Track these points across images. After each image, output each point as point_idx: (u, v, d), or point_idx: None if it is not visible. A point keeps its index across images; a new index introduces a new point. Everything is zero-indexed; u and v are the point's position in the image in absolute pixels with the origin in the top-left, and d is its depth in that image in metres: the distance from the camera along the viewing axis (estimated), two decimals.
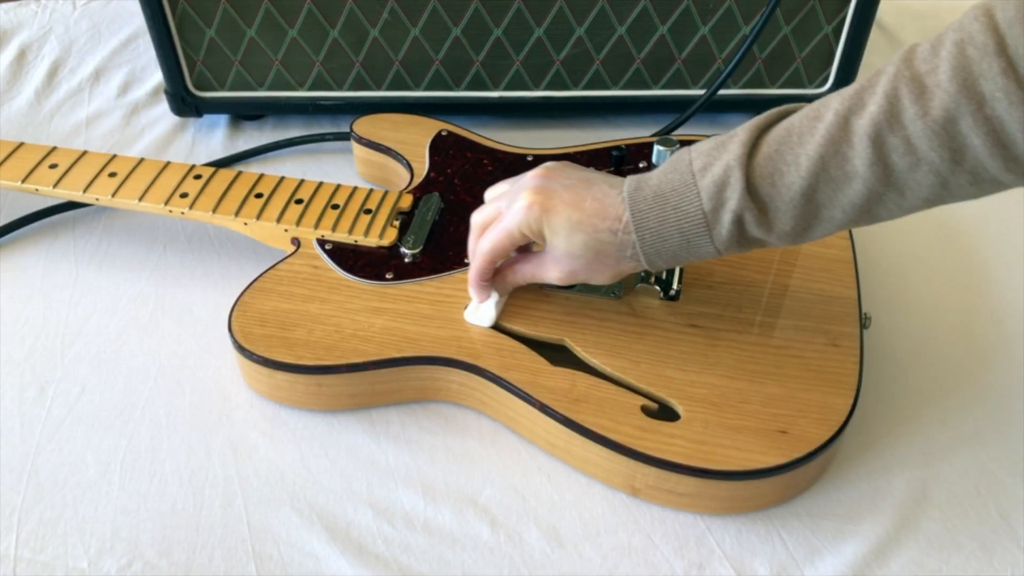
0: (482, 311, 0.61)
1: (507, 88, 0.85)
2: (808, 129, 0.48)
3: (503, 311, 0.62)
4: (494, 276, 0.60)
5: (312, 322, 0.61)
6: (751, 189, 0.49)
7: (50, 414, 0.63)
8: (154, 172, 0.71)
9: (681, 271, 0.65)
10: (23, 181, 0.70)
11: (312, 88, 0.84)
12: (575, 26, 0.80)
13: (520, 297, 0.63)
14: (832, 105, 0.47)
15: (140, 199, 0.69)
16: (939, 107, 0.43)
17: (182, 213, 0.69)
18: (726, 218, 0.50)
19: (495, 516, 0.57)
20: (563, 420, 0.56)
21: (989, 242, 0.76)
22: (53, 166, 0.71)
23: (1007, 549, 0.56)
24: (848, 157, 0.47)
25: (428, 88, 0.84)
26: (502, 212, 0.57)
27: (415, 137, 0.77)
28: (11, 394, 0.64)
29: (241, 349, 0.60)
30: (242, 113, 0.89)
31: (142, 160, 0.72)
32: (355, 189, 0.71)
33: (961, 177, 0.45)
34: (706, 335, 0.61)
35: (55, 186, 0.70)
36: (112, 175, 0.71)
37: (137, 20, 1.00)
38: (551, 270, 0.57)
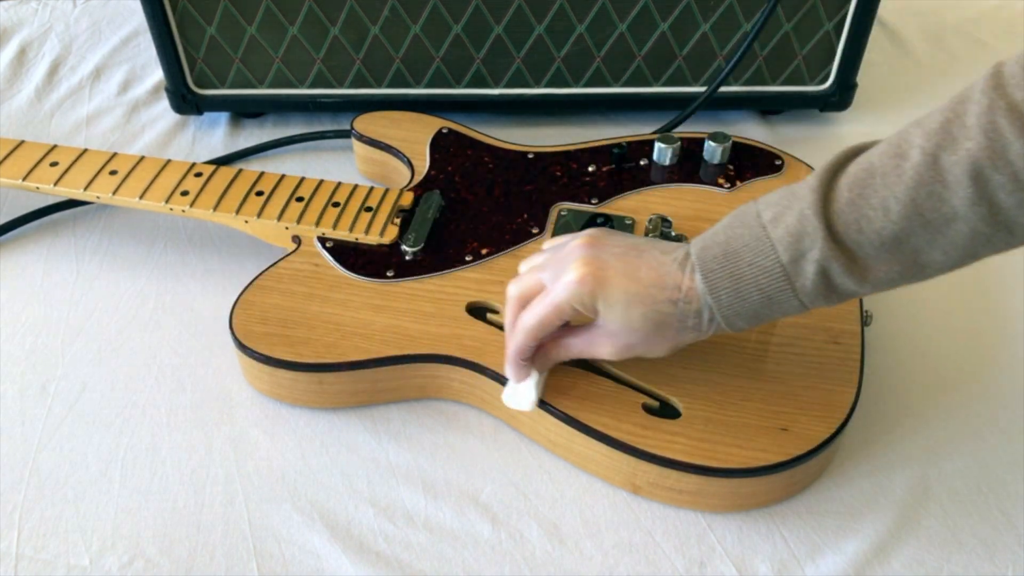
0: (521, 393, 0.56)
1: (508, 86, 0.85)
2: (892, 169, 0.45)
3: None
4: (535, 353, 0.56)
5: (313, 320, 0.61)
6: (835, 237, 0.46)
7: (51, 412, 0.63)
8: (155, 170, 0.71)
9: None
10: (24, 179, 0.70)
11: (313, 86, 0.84)
12: (576, 23, 0.80)
13: None
14: (915, 142, 0.44)
15: (141, 197, 0.69)
16: None
17: (183, 211, 0.69)
18: (809, 269, 0.47)
19: (496, 514, 0.57)
20: (564, 418, 0.56)
21: None
22: (54, 164, 0.71)
23: (1008, 546, 0.56)
24: (944, 198, 0.43)
25: (429, 86, 0.84)
26: (546, 285, 0.53)
27: (416, 135, 0.77)
28: (12, 392, 0.64)
29: (242, 347, 0.60)
30: (243, 111, 0.89)
31: (143, 158, 0.72)
32: (356, 187, 0.71)
33: None
34: None
35: (56, 184, 0.70)
36: (113, 173, 0.71)
37: (137, 18, 1.00)
38: (604, 345, 0.53)
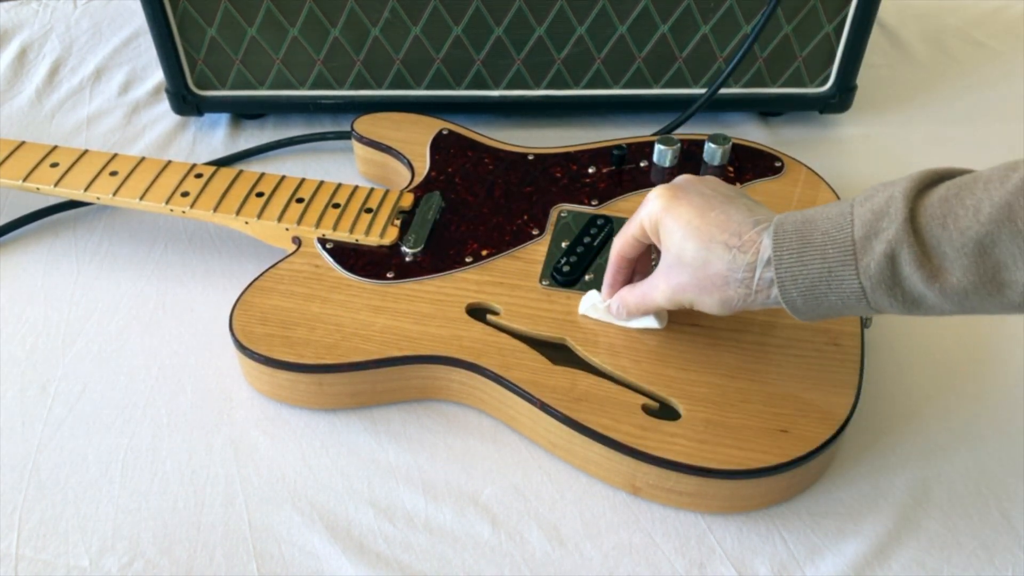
0: (589, 301, 0.62)
1: (508, 87, 0.85)
2: (999, 178, 0.43)
3: (512, 312, 0.62)
4: (618, 291, 0.60)
5: (313, 321, 0.61)
6: (915, 225, 0.44)
7: (51, 413, 0.63)
8: (155, 171, 0.71)
9: None
10: (24, 180, 0.70)
11: (313, 87, 0.85)
12: (576, 25, 0.80)
13: (522, 296, 0.63)
14: None
15: (141, 198, 0.69)
16: None
17: (183, 212, 0.69)
18: (878, 249, 0.45)
19: (496, 515, 0.57)
20: (564, 419, 0.56)
21: None
22: (54, 165, 0.71)
23: (1008, 548, 0.56)
24: None
25: (429, 87, 0.84)
26: None
27: (416, 136, 0.77)
28: (12, 393, 0.64)
29: (242, 348, 0.60)
30: (243, 112, 0.89)
31: (143, 159, 0.72)
32: (356, 188, 0.71)
33: None
34: (707, 334, 0.61)
35: (56, 185, 0.70)
36: (113, 174, 0.71)
37: (138, 19, 1.00)
38: (659, 283, 0.55)
